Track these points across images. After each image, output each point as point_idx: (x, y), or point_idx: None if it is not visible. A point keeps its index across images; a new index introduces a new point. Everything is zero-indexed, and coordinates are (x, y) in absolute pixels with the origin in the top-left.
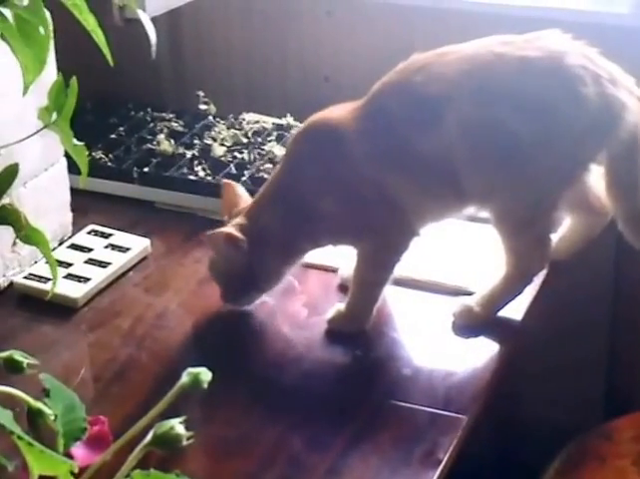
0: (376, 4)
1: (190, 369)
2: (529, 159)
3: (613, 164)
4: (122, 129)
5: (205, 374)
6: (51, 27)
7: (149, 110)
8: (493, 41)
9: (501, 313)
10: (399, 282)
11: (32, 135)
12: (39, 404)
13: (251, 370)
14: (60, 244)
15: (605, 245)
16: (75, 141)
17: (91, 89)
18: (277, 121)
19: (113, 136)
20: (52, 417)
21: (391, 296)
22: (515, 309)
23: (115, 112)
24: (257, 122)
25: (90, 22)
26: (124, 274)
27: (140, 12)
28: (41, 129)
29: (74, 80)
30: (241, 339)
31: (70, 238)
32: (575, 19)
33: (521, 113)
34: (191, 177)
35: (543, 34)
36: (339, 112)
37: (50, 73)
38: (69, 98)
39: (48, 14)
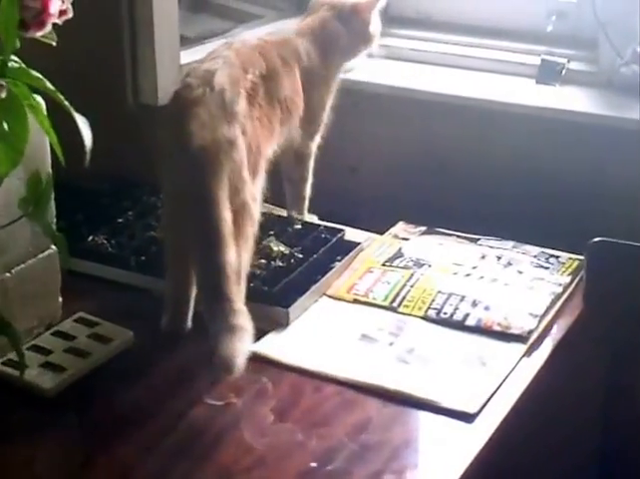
0: (396, 97)
1: None
2: None
3: None
4: (130, 213)
5: None
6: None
7: (161, 195)
8: None
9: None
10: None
11: (13, 222)
12: None
13: (206, 477)
14: (46, 330)
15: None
16: (56, 229)
17: (111, 171)
18: (283, 213)
19: (120, 220)
20: None
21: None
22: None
23: (129, 195)
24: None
25: (45, 124)
26: (104, 366)
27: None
28: (19, 218)
29: (48, 174)
30: (202, 442)
31: (58, 323)
32: (588, 121)
33: None
34: None
35: None
36: None
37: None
38: (45, 191)
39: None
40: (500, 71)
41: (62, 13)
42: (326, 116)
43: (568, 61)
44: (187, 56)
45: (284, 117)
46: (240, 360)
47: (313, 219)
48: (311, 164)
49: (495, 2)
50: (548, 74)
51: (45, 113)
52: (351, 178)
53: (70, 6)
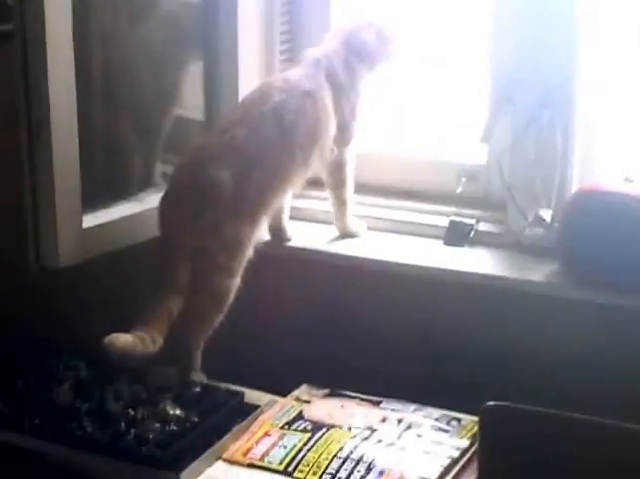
0: (303, 259)
1: None
2: None
3: None
4: (33, 375)
5: None
6: None
7: (64, 357)
8: None
9: None
10: None
11: None
12: None
13: None
14: None
15: None
16: None
17: (16, 330)
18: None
19: (21, 382)
20: None
21: None
22: None
23: (32, 356)
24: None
25: None
26: None
27: None
28: None
29: None
30: None
31: None
32: (493, 283)
33: None
34: (78, 432)
35: None
36: None
37: None
38: None
39: None
40: (409, 232)
41: None
42: (358, 124)
43: (477, 222)
44: (90, 220)
45: (306, 154)
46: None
47: (202, 378)
48: (348, 170)
49: (405, 163)
50: (457, 235)
51: None
52: (257, 340)
53: None
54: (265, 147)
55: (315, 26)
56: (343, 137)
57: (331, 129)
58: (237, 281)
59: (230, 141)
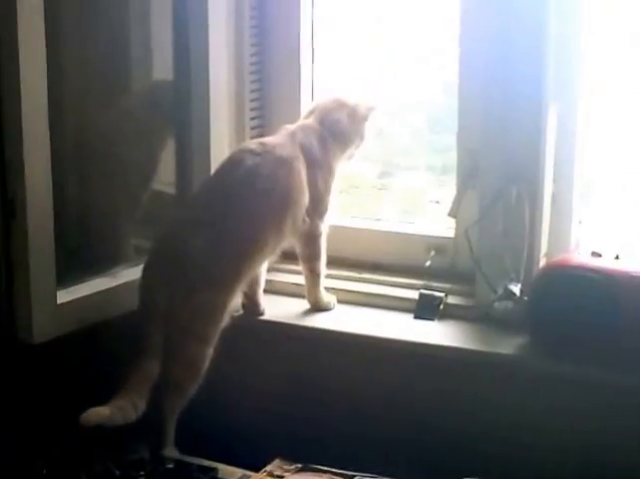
0: (274, 331)
1: None
2: None
3: None
4: (5, 453)
5: None
6: None
7: (38, 434)
8: None
9: None
10: None
11: None
12: None
13: None
14: None
15: None
16: None
17: None
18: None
19: None
20: None
21: None
22: None
23: (4, 434)
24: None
25: None
26: None
27: None
28: None
29: None
30: None
31: None
32: (469, 358)
33: None
34: None
35: None
36: None
37: None
38: None
39: None
40: (379, 305)
41: None
42: (332, 199)
43: (446, 295)
44: (64, 295)
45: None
46: None
47: (175, 453)
48: (322, 243)
49: (374, 236)
50: (426, 308)
51: None
52: (230, 413)
53: None
54: (238, 212)
55: (285, 102)
56: (317, 209)
57: (304, 198)
58: (211, 350)
59: (205, 207)
